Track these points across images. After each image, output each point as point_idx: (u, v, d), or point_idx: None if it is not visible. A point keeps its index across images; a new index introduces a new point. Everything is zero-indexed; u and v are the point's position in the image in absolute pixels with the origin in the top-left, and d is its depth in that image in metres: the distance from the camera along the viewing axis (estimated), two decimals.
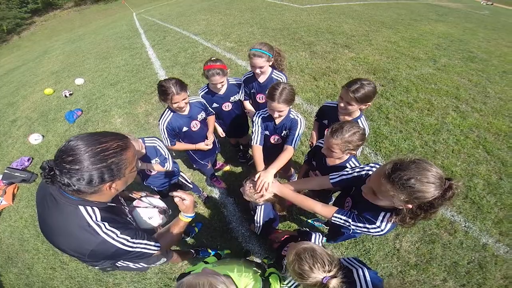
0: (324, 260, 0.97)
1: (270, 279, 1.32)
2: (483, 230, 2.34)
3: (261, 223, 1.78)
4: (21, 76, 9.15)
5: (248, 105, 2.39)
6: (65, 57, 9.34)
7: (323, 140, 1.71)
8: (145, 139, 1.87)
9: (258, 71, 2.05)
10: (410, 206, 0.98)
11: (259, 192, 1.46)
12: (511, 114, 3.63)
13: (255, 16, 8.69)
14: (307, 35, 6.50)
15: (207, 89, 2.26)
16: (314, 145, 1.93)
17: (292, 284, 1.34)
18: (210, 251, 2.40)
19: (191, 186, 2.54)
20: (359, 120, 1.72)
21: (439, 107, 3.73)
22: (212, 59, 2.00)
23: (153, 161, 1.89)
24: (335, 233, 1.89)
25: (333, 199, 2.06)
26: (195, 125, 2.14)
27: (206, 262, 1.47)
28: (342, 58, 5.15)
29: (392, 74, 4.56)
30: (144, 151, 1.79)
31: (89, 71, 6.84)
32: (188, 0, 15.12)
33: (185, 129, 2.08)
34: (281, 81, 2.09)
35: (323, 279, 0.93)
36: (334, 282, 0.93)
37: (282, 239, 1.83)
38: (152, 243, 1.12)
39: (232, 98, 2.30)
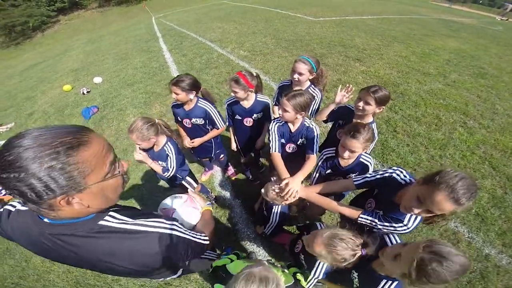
0: (353, 238, 1.09)
1: (297, 276, 1.39)
2: (487, 241, 2.37)
3: (275, 223, 1.84)
4: (41, 72, 9.53)
5: (276, 110, 2.44)
6: (85, 56, 9.74)
7: (332, 150, 1.79)
8: (168, 142, 2.00)
9: (296, 76, 2.05)
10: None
11: (286, 199, 1.50)
12: None
13: (268, 26, 8.93)
14: (319, 47, 6.66)
15: (232, 99, 2.25)
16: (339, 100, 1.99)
17: (312, 283, 1.43)
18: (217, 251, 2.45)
19: (192, 189, 2.58)
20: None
21: (447, 123, 3.78)
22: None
23: (160, 162, 2.03)
24: None
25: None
26: (187, 123, 2.31)
27: (231, 260, 1.51)
28: (353, 71, 5.27)
29: (402, 88, 4.64)
30: (153, 146, 1.94)
31: (107, 71, 7.13)
32: (205, 8, 15.62)
33: (179, 118, 2.32)
34: (314, 94, 2.14)
35: (361, 253, 1.07)
36: (369, 249, 1.08)
37: (290, 239, 1.89)
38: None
39: (255, 115, 2.29)
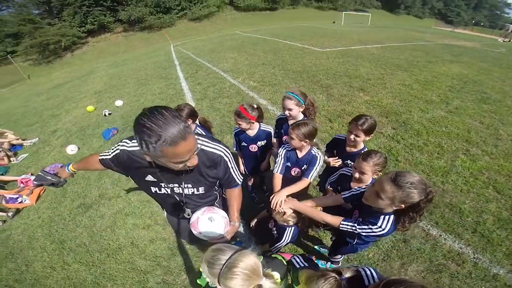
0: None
1: (273, 255, 1.63)
2: (494, 261, 2.34)
3: (286, 244, 2.00)
4: (67, 91, 10.25)
5: (276, 143, 2.65)
6: (108, 79, 10.49)
7: (348, 169, 2.01)
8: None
9: (287, 113, 2.21)
10: (403, 206, 1.28)
11: (275, 209, 1.74)
12: None
13: (277, 58, 9.34)
14: (325, 78, 6.89)
15: (238, 129, 2.47)
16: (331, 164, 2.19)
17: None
18: None
19: None
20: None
21: (449, 150, 3.84)
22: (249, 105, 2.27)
23: None
24: (337, 245, 2.13)
25: None
26: None
27: None
28: (357, 101, 5.41)
29: (404, 117, 4.74)
30: None
31: (128, 95, 7.69)
32: (219, 38, 16.75)
33: None
34: None
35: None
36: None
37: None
38: None
39: (259, 143, 2.51)
